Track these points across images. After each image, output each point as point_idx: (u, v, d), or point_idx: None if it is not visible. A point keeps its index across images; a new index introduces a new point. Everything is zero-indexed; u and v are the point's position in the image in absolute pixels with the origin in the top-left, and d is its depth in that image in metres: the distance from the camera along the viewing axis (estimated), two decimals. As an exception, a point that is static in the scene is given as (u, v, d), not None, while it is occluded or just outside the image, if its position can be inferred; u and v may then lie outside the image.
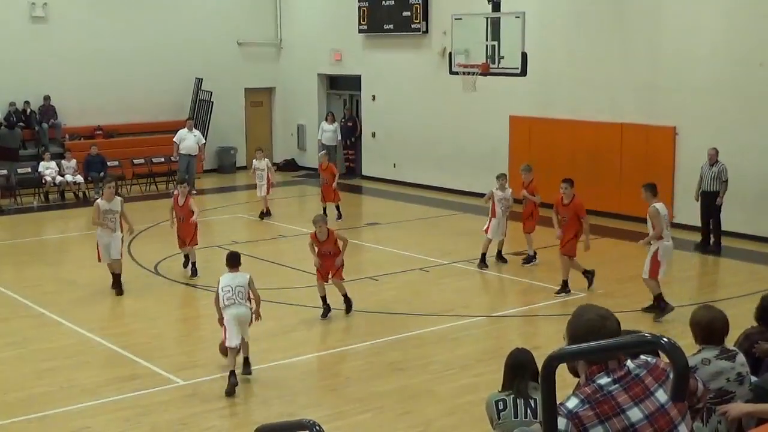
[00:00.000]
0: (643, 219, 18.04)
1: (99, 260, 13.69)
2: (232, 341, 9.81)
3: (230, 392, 9.65)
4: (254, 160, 20.22)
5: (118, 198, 13.86)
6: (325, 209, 18.65)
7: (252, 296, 10.20)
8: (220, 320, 10.06)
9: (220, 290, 10.05)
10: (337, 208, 19.15)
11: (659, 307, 12.13)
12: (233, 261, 10.40)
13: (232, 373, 9.76)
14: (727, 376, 5.53)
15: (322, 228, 12.21)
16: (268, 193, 19.45)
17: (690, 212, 16.97)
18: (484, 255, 14.95)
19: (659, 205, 12.14)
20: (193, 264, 14.73)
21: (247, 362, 10.19)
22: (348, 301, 12.46)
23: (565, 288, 13.35)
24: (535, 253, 15.34)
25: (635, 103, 18.47)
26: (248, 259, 15.62)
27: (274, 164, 27.27)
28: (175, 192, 15.03)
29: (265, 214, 19.51)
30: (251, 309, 10.18)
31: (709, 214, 16.10)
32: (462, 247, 16.41)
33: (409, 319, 12.30)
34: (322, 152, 20.33)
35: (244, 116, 26.99)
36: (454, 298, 13.50)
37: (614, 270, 14.96)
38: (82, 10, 23.78)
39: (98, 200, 13.92)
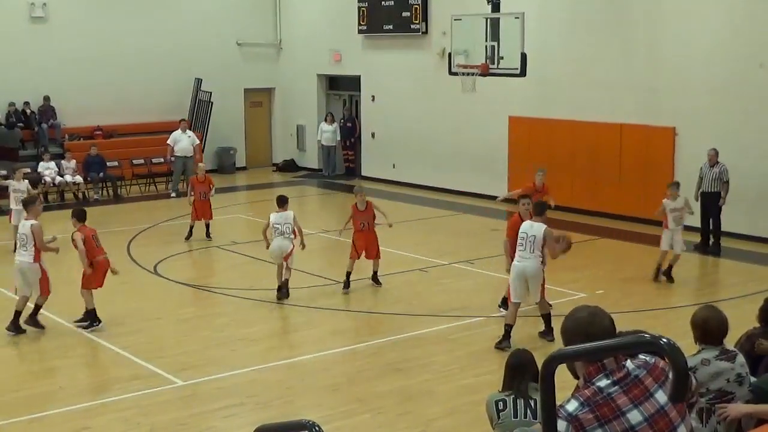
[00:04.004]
0: (643, 219, 18.19)
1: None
2: (276, 261, 13.02)
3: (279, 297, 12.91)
4: (12, 180, 16.97)
5: None
6: (192, 228, 17.01)
7: (296, 230, 12.99)
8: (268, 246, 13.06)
9: (271, 225, 12.90)
10: (207, 226, 17.11)
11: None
12: (282, 202, 13.15)
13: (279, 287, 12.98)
14: (727, 376, 5.53)
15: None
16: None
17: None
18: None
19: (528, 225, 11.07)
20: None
21: (281, 288, 12.93)
22: None
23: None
24: None
25: (635, 103, 18.46)
26: (248, 259, 15.71)
27: (273, 164, 27.44)
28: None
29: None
30: (292, 241, 12.94)
31: (709, 214, 16.10)
32: (462, 247, 16.42)
33: (409, 319, 12.31)
34: (201, 164, 18.40)
35: (244, 117, 26.96)
36: (454, 298, 13.49)
37: (614, 270, 14.95)
38: (81, 10, 23.78)
39: None
